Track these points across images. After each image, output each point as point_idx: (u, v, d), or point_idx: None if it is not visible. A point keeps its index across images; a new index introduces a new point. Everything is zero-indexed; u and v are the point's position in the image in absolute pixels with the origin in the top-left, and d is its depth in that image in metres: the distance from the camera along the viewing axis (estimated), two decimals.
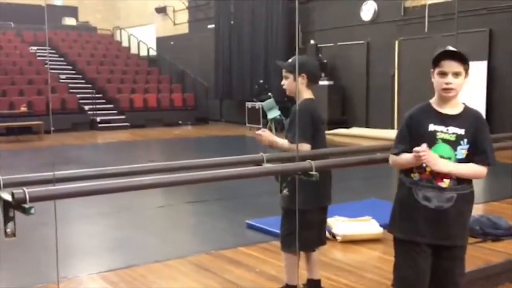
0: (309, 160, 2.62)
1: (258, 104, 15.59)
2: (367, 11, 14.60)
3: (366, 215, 4.85)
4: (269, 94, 12.37)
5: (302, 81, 3.22)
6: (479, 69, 11.98)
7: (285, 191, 3.05)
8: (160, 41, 22.36)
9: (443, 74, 2.51)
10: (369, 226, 4.69)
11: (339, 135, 13.84)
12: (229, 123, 18.37)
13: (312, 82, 3.27)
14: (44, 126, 13.96)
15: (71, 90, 17.72)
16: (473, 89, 11.91)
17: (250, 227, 5.11)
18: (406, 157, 2.54)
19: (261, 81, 16.35)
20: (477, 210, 5.61)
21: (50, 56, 19.85)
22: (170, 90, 19.46)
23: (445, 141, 2.50)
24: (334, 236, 4.59)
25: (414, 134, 2.56)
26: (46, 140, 13.53)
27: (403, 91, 13.62)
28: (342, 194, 6.71)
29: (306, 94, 3.26)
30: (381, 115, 14.25)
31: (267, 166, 2.78)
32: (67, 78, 18.60)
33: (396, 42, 13.59)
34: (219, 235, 5.11)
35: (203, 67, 19.97)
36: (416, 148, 2.46)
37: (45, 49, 19.35)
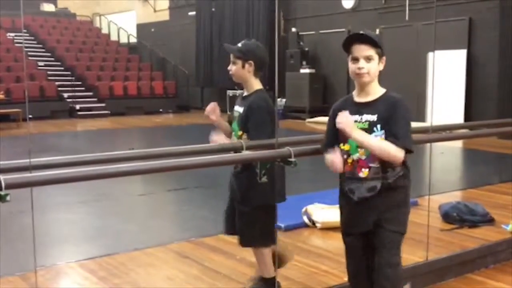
0: (288, 147, 2.63)
1: (239, 92, 15.54)
2: None
3: None
4: None
5: (249, 68, 3.08)
6: (458, 57, 12.08)
7: (264, 178, 3.03)
8: (141, 28, 22.11)
9: (355, 59, 2.48)
10: None
11: (320, 123, 13.89)
12: None
13: (259, 70, 3.13)
14: (23, 114, 13.77)
15: (49, 77, 17.47)
16: (452, 78, 12.03)
17: None
18: (327, 156, 2.52)
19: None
20: (455, 197, 5.70)
21: (28, 43, 19.51)
22: (150, 78, 19.30)
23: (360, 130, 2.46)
24: (314, 223, 4.62)
25: (335, 127, 2.52)
26: (25, 128, 13.35)
27: (383, 79, 13.56)
28: (322, 181, 6.75)
29: (256, 83, 3.14)
30: None
31: (246, 153, 2.78)
32: (45, 65, 18.33)
33: (377, 30, 13.63)
34: (200, 223, 5.10)
35: (184, 54, 19.83)
36: (329, 157, 2.49)
37: (23, 35, 19.02)
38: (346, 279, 3.40)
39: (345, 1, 14.68)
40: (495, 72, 11.33)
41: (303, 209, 4.73)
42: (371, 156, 2.47)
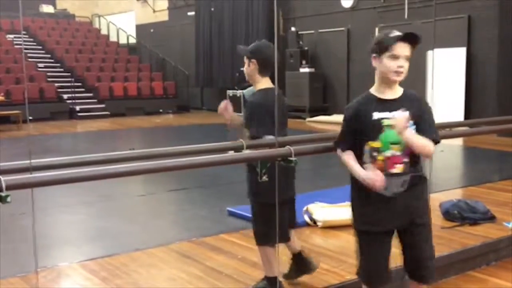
0: (288, 146, 2.63)
1: (239, 92, 15.53)
2: None
3: (346, 201, 4.84)
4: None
5: (252, 67, 3.21)
6: (458, 55, 12.08)
7: (264, 177, 3.04)
8: (140, 28, 22.12)
9: (395, 57, 2.47)
10: (349, 212, 4.70)
11: (320, 122, 13.91)
12: (211, 111, 18.31)
13: (264, 69, 3.19)
14: (23, 116, 13.77)
15: (49, 79, 17.47)
16: (452, 76, 12.02)
17: (231, 214, 5.12)
18: (356, 169, 2.52)
19: (242, 68, 16.22)
20: (455, 194, 5.70)
21: (27, 44, 19.51)
22: (150, 78, 19.30)
23: (392, 126, 2.45)
24: (314, 222, 4.62)
25: (358, 126, 2.53)
26: (25, 130, 13.36)
27: None
28: (322, 180, 6.77)
29: (261, 83, 3.21)
30: None
31: (246, 152, 2.78)
32: (45, 67, 18.33)
33: (377, 29, 13.63)
34: (201, 223, 5.11)
35: (184, 55, 19.83)
36: (371, 175, 2.46)
37: (23, 37, 19.01)
38: (348, 277, 3.42)
39: (344, 0, 14.67)
40: (495, 70, 11.32)
41: (304, 208, 4.73)
42: (405, 151, 2.48)
